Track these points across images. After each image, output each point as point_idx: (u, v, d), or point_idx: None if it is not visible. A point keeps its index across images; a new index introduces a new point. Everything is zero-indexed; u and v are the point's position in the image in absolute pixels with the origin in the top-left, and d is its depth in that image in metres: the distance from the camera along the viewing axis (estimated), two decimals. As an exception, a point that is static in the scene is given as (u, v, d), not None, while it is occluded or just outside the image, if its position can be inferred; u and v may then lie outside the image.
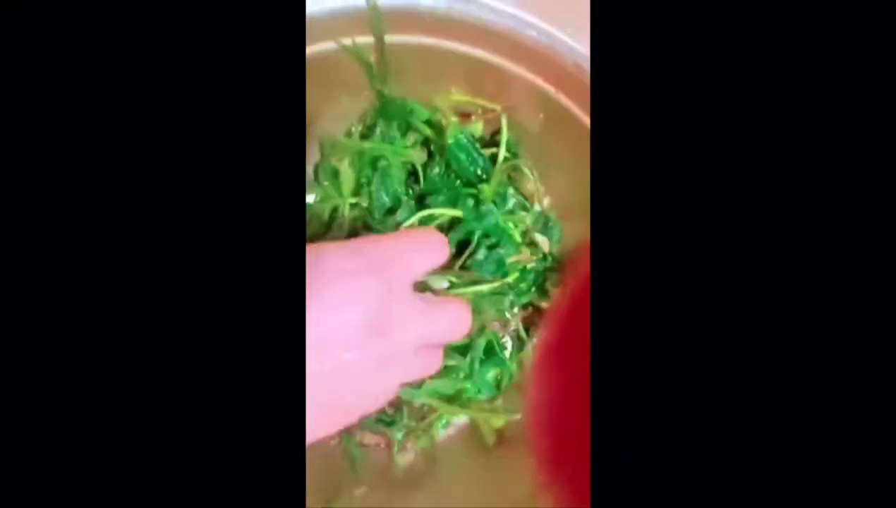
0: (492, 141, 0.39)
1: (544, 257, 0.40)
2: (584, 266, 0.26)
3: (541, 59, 0.34)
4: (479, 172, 0.37)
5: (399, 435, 0.39)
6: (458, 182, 0.38)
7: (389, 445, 0.39)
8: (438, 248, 0.31)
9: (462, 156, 0.37)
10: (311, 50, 0.33)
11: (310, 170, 0.39)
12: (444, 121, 0.37)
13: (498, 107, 0.38)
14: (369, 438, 0.40)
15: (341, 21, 0.33)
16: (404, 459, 0.40)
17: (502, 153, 0.38)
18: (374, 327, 0.27)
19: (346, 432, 0.39)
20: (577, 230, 0.39)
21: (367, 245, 0.29)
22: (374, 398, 0.29)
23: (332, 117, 0.38)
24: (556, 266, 0.40)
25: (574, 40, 0.33)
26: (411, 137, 0.38)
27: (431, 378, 0.34)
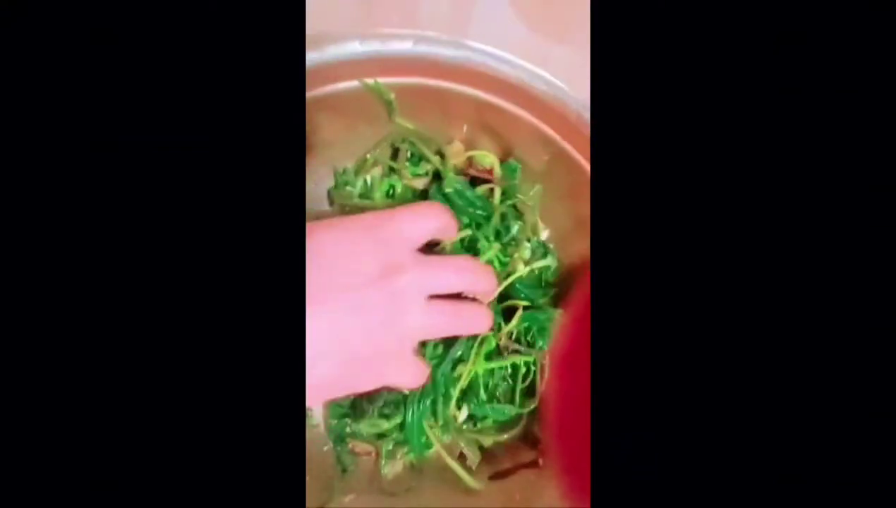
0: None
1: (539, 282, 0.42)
2: (585, 285, 0.27)
3: (547, 107, 0.37)
4: (477, 213, 0.39)
5: (389, 446, 0.40)
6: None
7: (378, 455, 0.40)
8: (436, 215, 0.31)
9: (460, 203, 0.39)
10: (335, 87, 0.36)
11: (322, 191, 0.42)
12: (443, 169, 0.39)
13: (494, 164, 0.40)
14: (360, 447, 0.41)
15: (365, 64, 0.35)
16: (392, 470, 0.40)
17: (497, 197, 0.40)
18: (377, 271, 0.27)
19: (339, 439, 0.41)
20: (574, 256, 0.42)
21: (362, 214, 0.30)
22: (396, 340, 0.29)
23: (349, 143, 0.41)
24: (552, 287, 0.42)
25: (576, 92, 0.35)
26: (423, 167, 0.41)
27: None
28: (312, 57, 0.34)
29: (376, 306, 0.27)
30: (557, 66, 0.35)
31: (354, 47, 0.34)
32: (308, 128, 0.38)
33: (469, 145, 0.41)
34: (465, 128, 0.41)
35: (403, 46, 0.34)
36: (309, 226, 0.28)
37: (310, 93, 0.35)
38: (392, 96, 0.38)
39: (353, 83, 0.36)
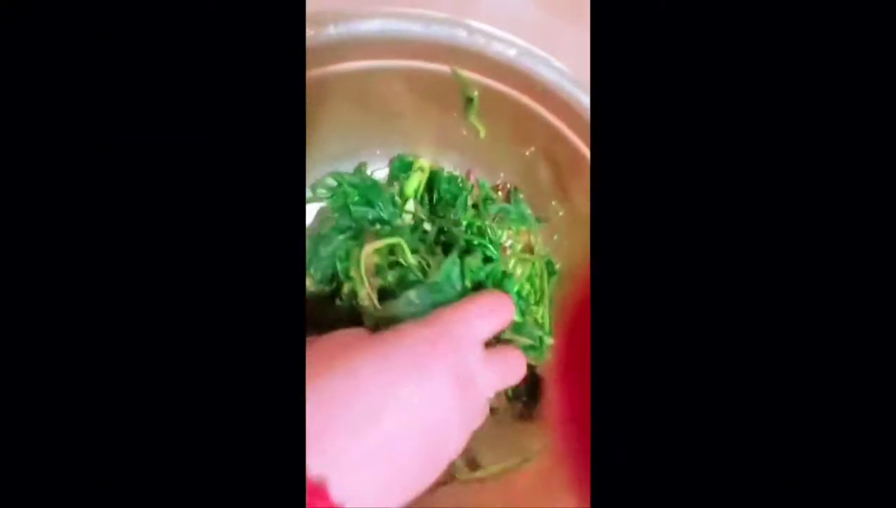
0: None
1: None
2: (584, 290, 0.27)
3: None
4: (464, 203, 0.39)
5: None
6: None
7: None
8: (504, 308, 0.33)
9: (445, 186, 0.38)
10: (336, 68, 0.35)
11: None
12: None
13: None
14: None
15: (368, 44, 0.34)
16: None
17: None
18: (459, 385, 0.28)
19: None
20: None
21: (436, 317, 0.31)
22: (461, 445, 0.30)
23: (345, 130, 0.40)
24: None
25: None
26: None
27: None
28: (311, 35, 0.32)
29: (461, 416, 0.29)
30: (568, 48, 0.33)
31: (357, 26, 0.33)
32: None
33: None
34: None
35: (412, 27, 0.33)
36: (389, 334, 0.29)
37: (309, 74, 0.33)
38: (475, 93, 0.36)
39: (353, 64, 0.35)
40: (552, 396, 0.29)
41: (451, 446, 0.29)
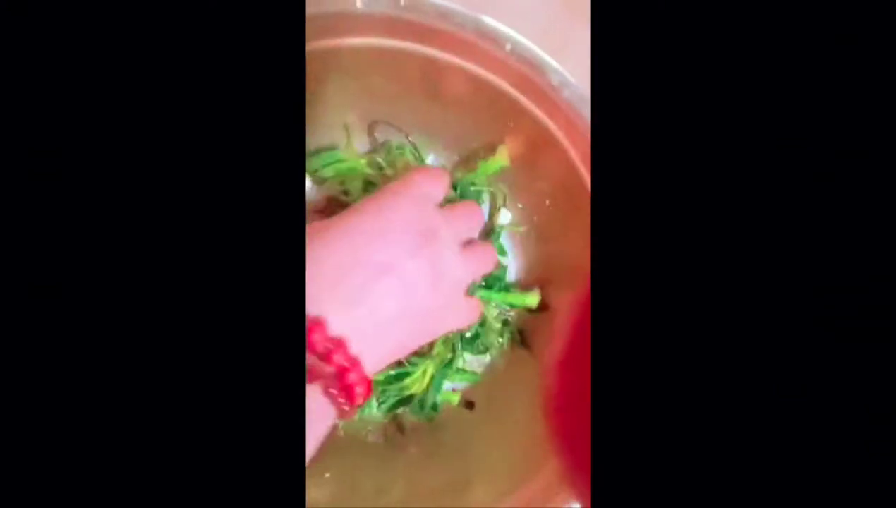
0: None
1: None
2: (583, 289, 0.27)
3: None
4: None
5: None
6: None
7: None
8: (446, 174, 0.36)
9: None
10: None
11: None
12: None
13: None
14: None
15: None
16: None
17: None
18: (420, 239, 0.31)
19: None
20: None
21: (392, 184, 0.34)
22: (448, 293, 0.33)
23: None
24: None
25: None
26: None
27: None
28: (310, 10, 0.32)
29: (426, 269, 0.31)
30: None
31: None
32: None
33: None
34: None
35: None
36: (343, 214, 0.32)
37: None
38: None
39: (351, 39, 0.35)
40: (551, 383, 0.29)
41: (433, 295, 0.31)
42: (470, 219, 0.36)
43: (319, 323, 0.26)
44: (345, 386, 0.26)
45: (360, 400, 0.27)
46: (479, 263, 0.35)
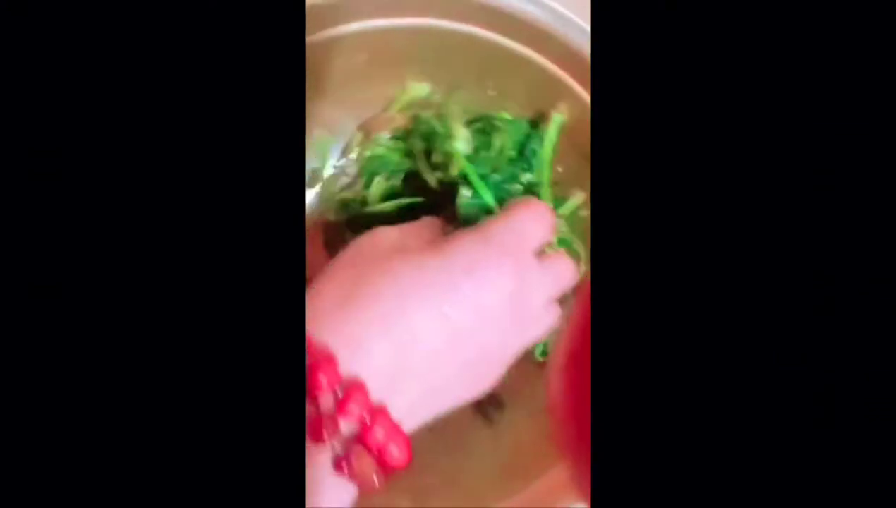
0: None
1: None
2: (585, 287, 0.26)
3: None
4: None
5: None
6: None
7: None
8: (550, 214, 0.32)
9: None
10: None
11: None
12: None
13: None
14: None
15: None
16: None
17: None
18: (515, 302, 0.29)
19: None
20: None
21: (489, 229, 0.30)
22: (518, 349, 0.30)
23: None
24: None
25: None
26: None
27: None
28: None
29: (509, 320, 0.29)
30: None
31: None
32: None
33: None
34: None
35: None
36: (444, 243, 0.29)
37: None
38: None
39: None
40: (556, 384, 0.29)
41: (507, 352, 0.29)
42: (570, 274, 0.32)
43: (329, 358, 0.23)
44: (374, 447, 0.22)
45: (400, 464, 0.22)
46: (560, 282, 0.32)
